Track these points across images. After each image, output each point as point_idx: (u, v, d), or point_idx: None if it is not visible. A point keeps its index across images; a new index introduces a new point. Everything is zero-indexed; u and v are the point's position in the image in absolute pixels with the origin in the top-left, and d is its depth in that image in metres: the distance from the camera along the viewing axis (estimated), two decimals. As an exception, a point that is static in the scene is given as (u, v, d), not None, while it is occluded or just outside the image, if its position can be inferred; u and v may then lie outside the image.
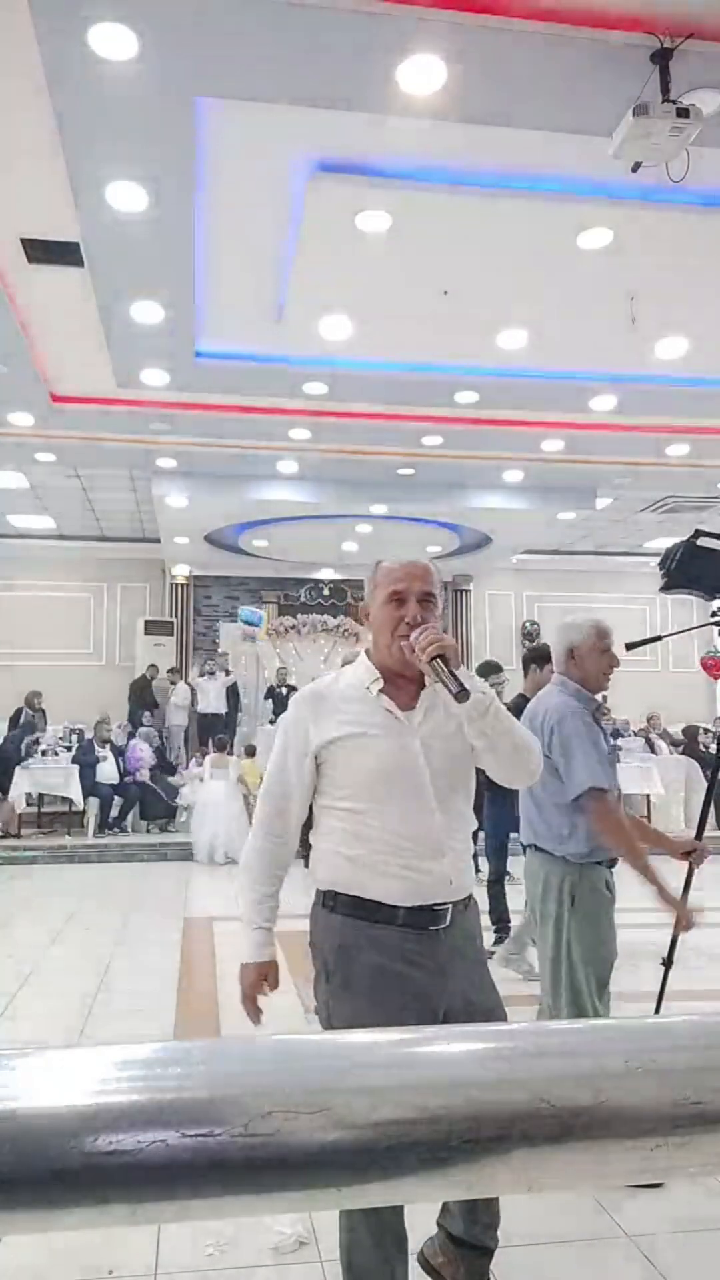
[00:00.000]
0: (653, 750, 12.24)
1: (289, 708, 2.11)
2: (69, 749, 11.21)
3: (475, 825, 2.12)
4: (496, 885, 5.87)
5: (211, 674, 12.84)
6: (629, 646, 3.28)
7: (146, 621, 14.16)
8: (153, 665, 13.34)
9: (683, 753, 12.06)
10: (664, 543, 5.32)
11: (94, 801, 10.38)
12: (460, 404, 7.76)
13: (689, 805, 11.11)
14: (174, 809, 10.92)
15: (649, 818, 11.49)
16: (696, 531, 3.11)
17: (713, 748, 12.15)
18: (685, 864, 3.17)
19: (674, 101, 3.64)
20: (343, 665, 2.40)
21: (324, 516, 11.00)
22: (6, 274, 5.86)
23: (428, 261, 5.55)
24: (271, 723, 11.50)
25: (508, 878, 5.93)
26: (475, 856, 2.75)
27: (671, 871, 3.15)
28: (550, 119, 4.16)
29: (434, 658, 1.87)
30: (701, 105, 3.69)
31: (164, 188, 4.75)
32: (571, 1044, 0.64)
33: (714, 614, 3.20)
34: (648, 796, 11.56)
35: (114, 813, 10.59)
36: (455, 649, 1.93)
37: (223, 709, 12.68)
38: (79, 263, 5.61)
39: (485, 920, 5.35)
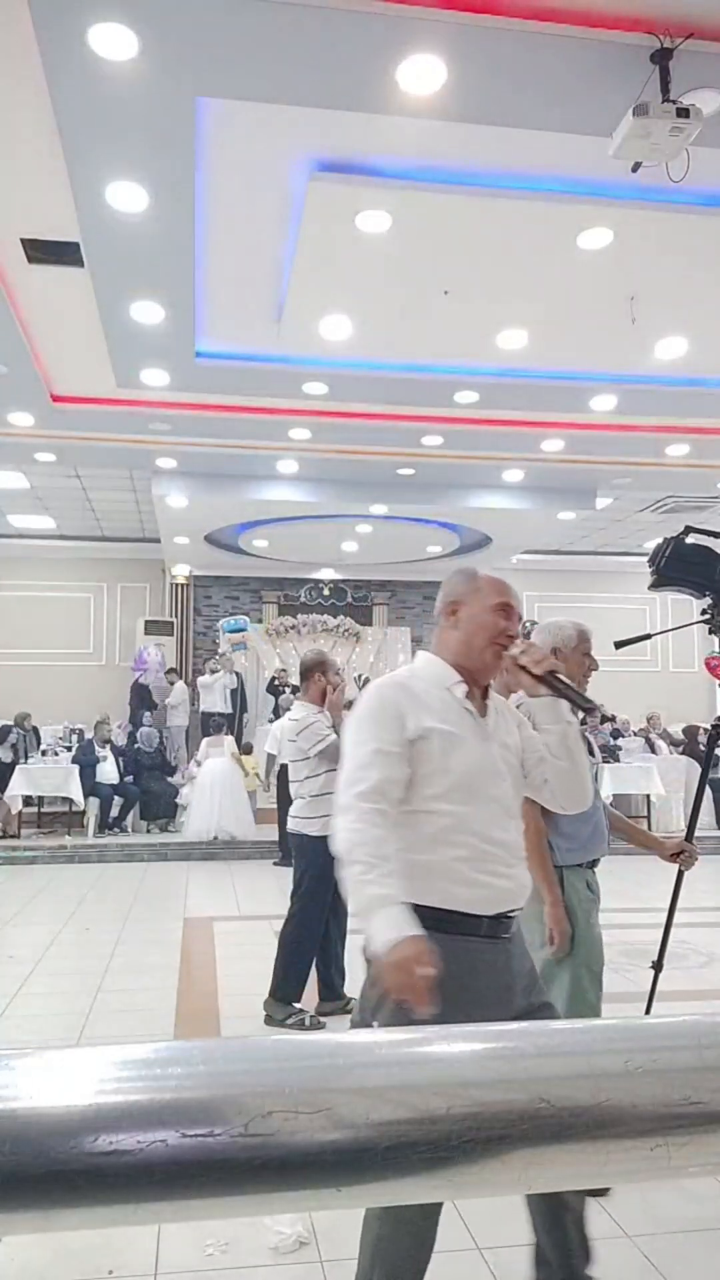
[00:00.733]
0: (653, 750, 12.25)
1: (371, 694, 1.99)
2: (69, 749, 11.21)
3: None
4: None
5: (214, 673, 12.82)
6: (618, 645, 3.27)
7: (146, 621, 14.15)
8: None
9: (683, 753, 12.06)
10: (664, 543, 5.31)
11: (94, 801, 10.38)
12: (460, 404, 7.76)
13: (689, 805, 11.12)
14: (174, 809, 10.93)
15: (649, 818, 11.50)
16: (686, 528, 3.08)
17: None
18: (675, 865, 3.15)
19: (674, 101, 3.64)
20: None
21: (324, 516, 11.00)
22: (6, 274, 5.86)
23: (428, 261, 5.55)
24: (270, 720, 11.48)
25: None
26: None
27: (664, 873, 3.16)
28: (550, 119, 4.16)
29: (550, 673, 2.01)
30: (701, 105, 3.68)
31: (164, 188, 4.75)
32: (571, 1044, 0.64)
33: (704, 612, 3.17)
34: (648, 796, 11.57)
35: (114, 813, 10.59)
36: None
37: (226, 708, 12.65)
38: (79, 263, 5.61)
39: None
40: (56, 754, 11.06)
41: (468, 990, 1.83)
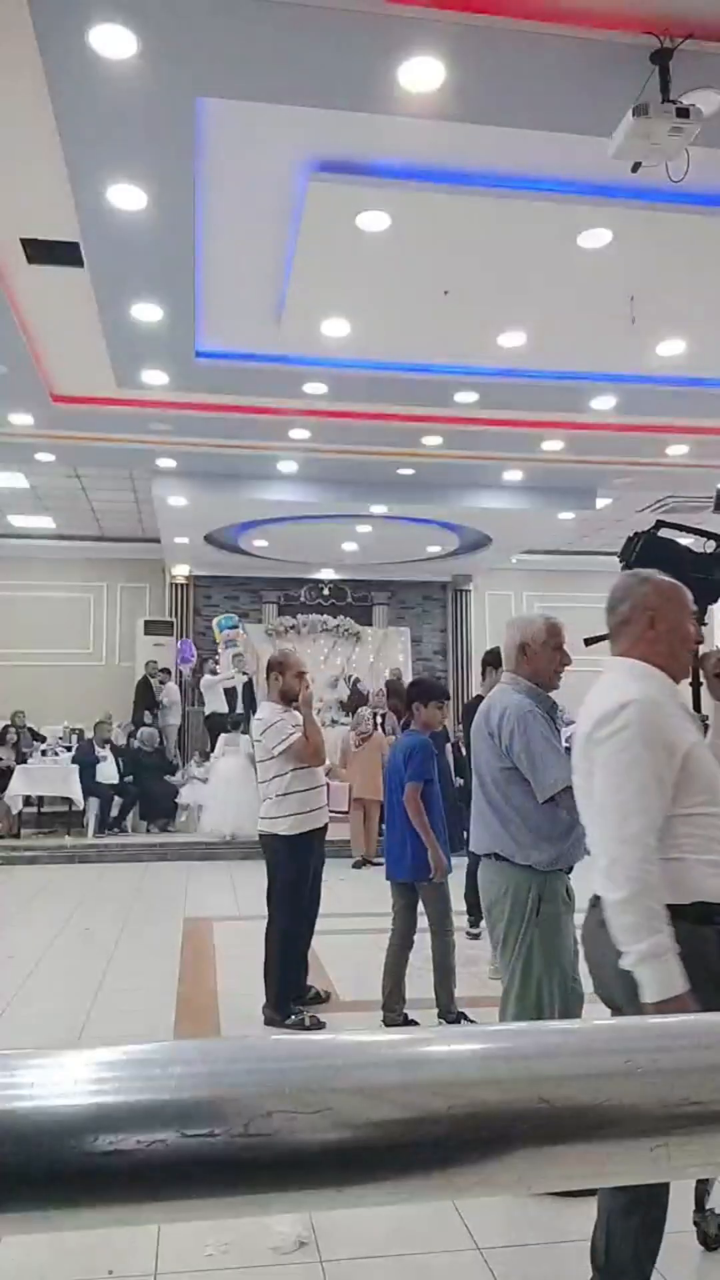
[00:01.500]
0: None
1: (635, 717, 1.96)
2: (69, 749, 11.21)
3: None
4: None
5: (214, 673, 12.79)
6: (587, 641, 3.22)
7: (146, 621, 14.16)
8: (151, 661, 13.30)
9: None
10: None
11: (94, 801, 10.37)
12: (460, 404, 7.76)
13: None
14: (174, 809, 10.93)
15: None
16: (657, 523, 3.02)
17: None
18: None
19: (674, 101, 3.64)
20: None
21: (324, 516, 11.00)
22: (6, 274, 5.86)
23: (428, 261, 5.55)
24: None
25: None
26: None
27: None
28: (550, 119, 4.16)
29: None
30: (701, 105, 3.69)
31: (164, 188, 4.75)
32: (571, 1044, 0.64)
33: None
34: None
35: (114, 813, 10.59)
36: None
37: (226, 708, 12.59)
38: (79, 263, 5.61)
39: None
40: (56, 754, 11.06)
41: None
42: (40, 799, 10.68)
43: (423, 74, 3.86)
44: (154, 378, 7.31)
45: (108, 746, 10.78)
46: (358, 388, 7.46)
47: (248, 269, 5.76)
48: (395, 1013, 4.37)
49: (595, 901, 2.01)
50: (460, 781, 7.88)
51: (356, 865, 9.07)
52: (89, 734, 11.23)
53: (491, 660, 5.37)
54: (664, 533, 2.95)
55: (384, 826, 5.47)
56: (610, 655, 2.19)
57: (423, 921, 4.38)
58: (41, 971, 5.43)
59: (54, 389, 7.73)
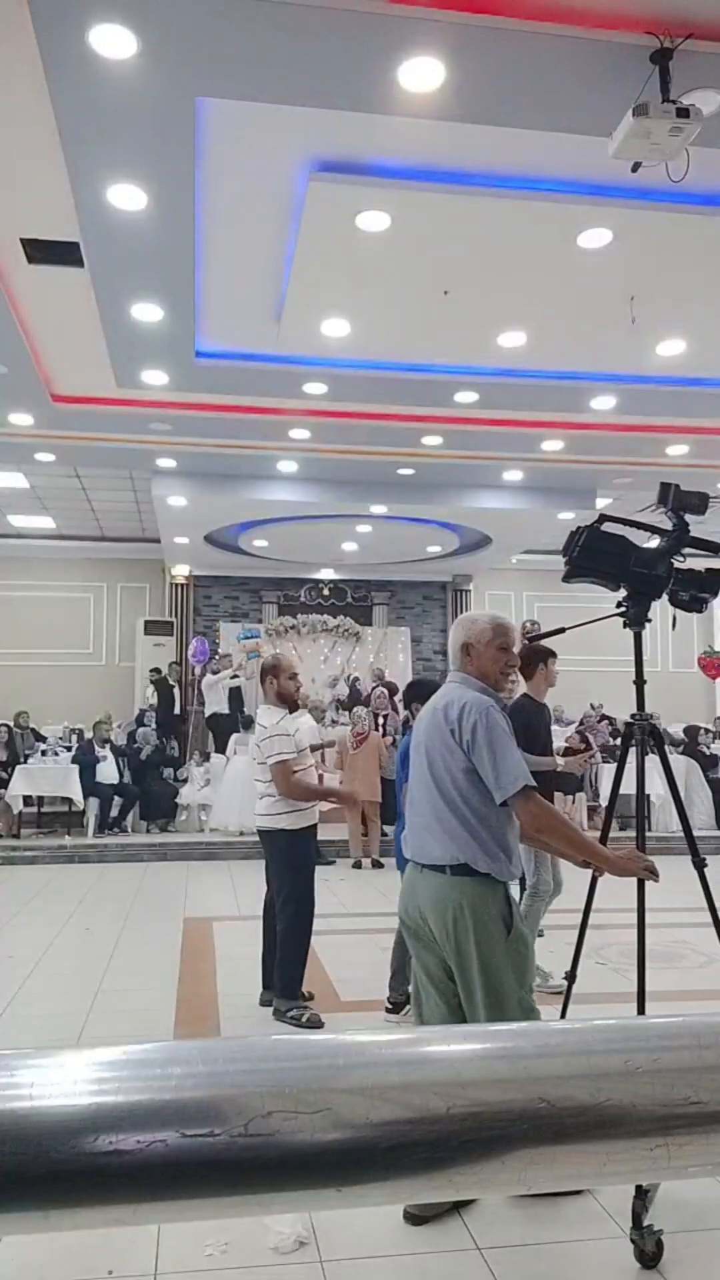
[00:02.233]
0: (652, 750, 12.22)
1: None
2: (69, 749, 11.20)
3: None
4: None
5: (215, 673, 12.78)
6: (531, 639, 3.14)
7: (146, 621, 14.16)
8: (173, 663, 13.42)
9: (682, 753, 12.05)
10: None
11: (94, 801, 10.37)
12: (460, 404, 7.76)
13: (689, 804, 11.14)
14: (174, 809, 10.93)
15: (649, 818, 11.50)
16: (601, 517, 2.90)
17: (712, 747, 12.14)
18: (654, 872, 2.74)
19: (674, 101, 3.64)
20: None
21: (324, 516, 11.00)
22: (6, 274, 5.86)
23: (428, 261, 5.55)
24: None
25: None
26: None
27: (667, 874, 3.12)
28: (550, 119, 4.16)
29: None
30: (701, 105, 3.69)
31: (164, 188, 4.75)
32: (571, 1044, 0.64)
33: (619, 604, 3.01)
34: (648, 796, 11.56)
35: (114, 813, 10.59)
36: None
37: (228, 709, 12.59)
38: (79, 263, 5.61)
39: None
40: (56, 754, 11.05)
41: None
42: (40, 799, 10.68)
43: (423, 74, 3.86)
44: (154, 378, 7.31)
45: (107, 746, 10.77)
46: (357, 388, 7.46)
47: (247, 269, 5.76)
48: (399, 992, 4.40)
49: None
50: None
51: (356, 865, 9.07)
52: (89, 734, 11.22)
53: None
54: (608, 527, 2.87)
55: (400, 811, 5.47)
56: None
57: None
58: (41, 971, 5.43)
59: (54, 389, 7.72)
